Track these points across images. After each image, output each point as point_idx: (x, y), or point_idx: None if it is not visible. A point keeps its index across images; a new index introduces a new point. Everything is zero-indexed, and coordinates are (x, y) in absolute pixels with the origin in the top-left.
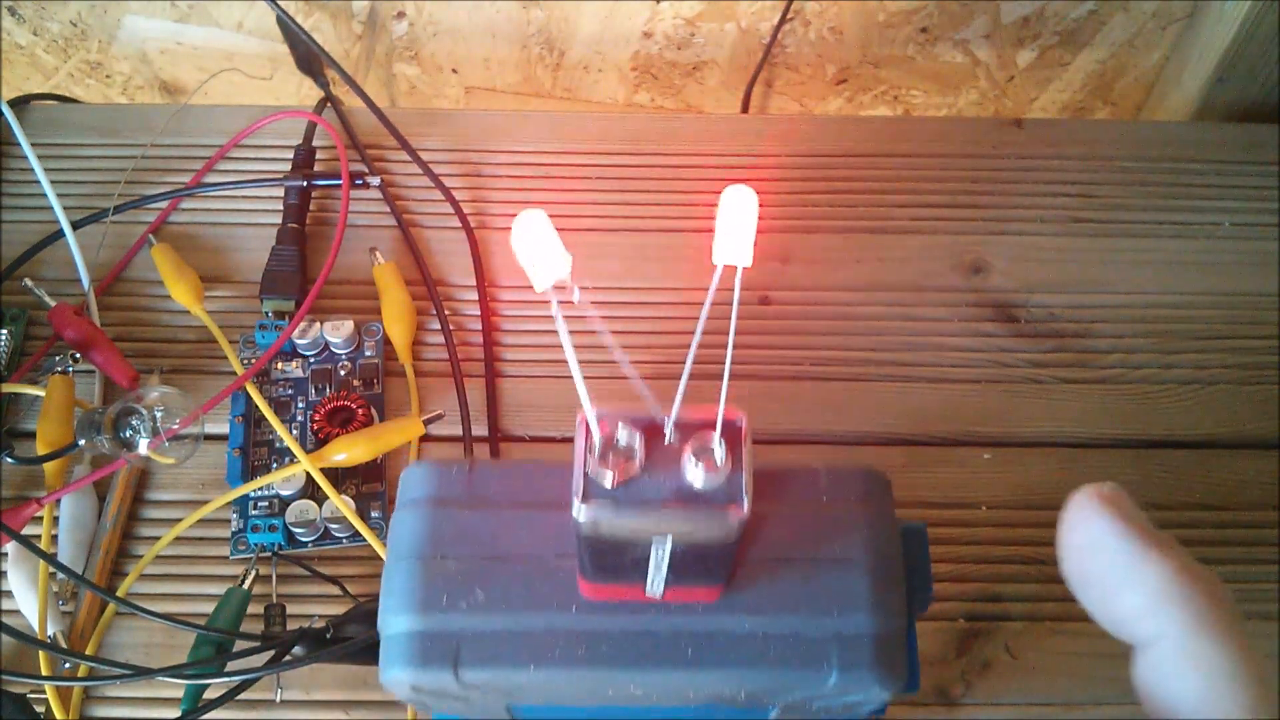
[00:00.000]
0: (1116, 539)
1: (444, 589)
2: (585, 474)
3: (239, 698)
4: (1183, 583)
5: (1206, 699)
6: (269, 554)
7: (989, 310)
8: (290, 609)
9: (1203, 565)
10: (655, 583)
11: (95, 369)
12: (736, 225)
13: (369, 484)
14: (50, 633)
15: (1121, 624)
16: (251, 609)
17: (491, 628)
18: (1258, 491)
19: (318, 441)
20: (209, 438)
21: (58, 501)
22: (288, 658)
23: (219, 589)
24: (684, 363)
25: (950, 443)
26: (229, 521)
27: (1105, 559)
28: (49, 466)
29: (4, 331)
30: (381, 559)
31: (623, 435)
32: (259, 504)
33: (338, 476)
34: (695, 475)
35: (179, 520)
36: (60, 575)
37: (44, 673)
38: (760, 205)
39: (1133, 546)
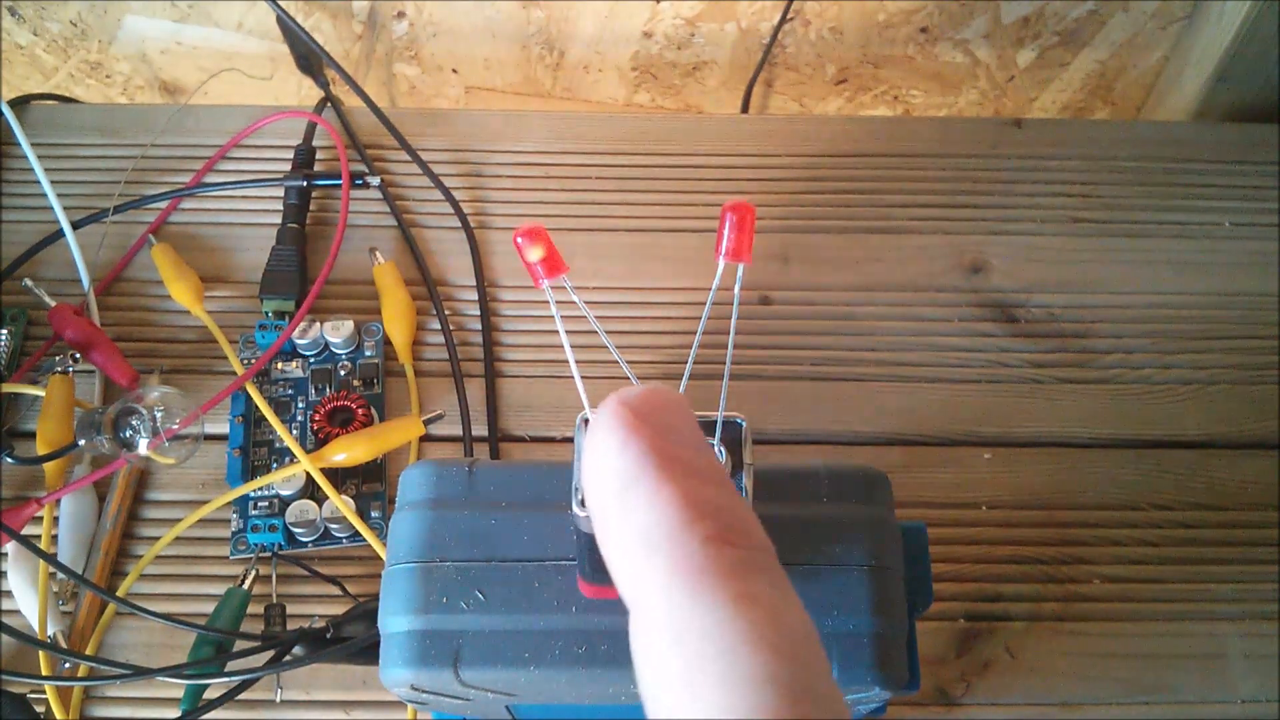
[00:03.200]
0: (617, 454)
1: (444, 589)
2: None
3: (239, 698)
4: (679, 518)
5: (689, 671)
6: (269, 554)
7: (989, 310)
8: (290, 609)
9: (731, 497)
10: None
11: (95, 369)
12: (738, 231)
13: (369, 484)
14: (50, 633)
15: (614, 575)
16: (251, 609)
17: (491, 627)
18: (1258, 491)
19: (318, 441)
20: (209, 438)
21: (58, 501)
22: (288, 658)
23: (219, 589)
24: (684, 363)
25: (950, 443)
26: (229, 521)
27: (604, 484)
28: (49, 466)
29: (4, 331)
30: (381, 559)
31: None
32: (259, 504)
33: (338, 476)
34: None
35: (179, 520)
36: (60, 575)
37: (44, 673)
38: (760, 205)
39: (632, 464)
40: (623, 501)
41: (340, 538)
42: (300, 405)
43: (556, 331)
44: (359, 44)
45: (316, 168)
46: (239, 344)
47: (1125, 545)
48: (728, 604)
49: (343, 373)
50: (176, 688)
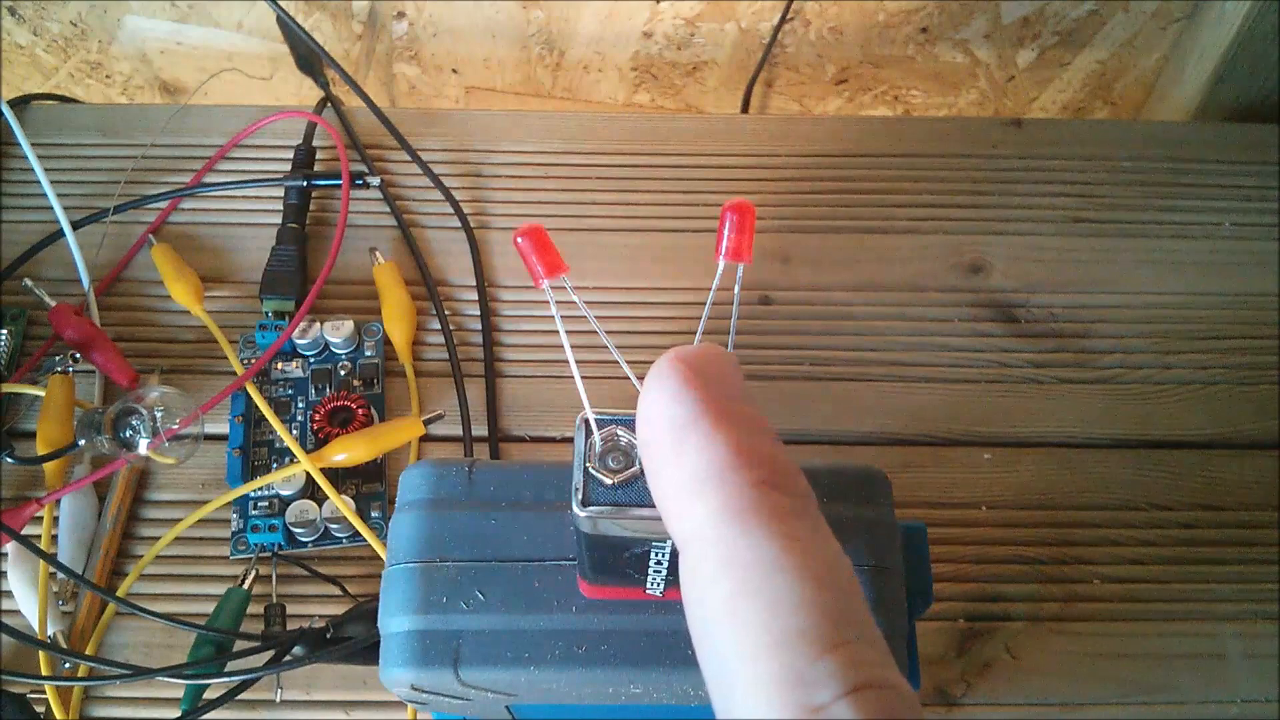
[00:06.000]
0: (672, 403)
1: (444, 589)
2: (585, 474)
3: (239, 698)
4: (730, 463)
5: (735, 598)
6: (269, 554)
7: (989, 310)
8: (290, 609)
9: (777, 447)
10: (655, 583)
11: (95, 369)
12: (738, 231)
13: (369, 484)
14: (50, 633)
15: (664, 514)
16: (251, 609)
17: (491, 627)
18: (1258, 491)
19: (318, 441)
20: (209, 438)
21: (58, 501)
22: (288, 658)
23: (219, 589)
24: None
25: (950, 443)
26: (229, 521)
27: (658, 429)
28: (49, 466)
29: (4, 331)
30: (381, 559)
31: (623, 436)
32: (259, 504)
33: (338, 476)
34: None
35: (179, 520)
36: (60, 575)
37: (44, 673)
38: (760, 205)
39: (687, 413)
40: (677, 446)
41: (340, 538)
42: (300, 405)
43: (556, 331)
44: (359, 44)
45: (316, 168)
46: (239, 344)
47: (1125, 545)
48: (774, 539)
49: (343, 373)
50: (176, 688)
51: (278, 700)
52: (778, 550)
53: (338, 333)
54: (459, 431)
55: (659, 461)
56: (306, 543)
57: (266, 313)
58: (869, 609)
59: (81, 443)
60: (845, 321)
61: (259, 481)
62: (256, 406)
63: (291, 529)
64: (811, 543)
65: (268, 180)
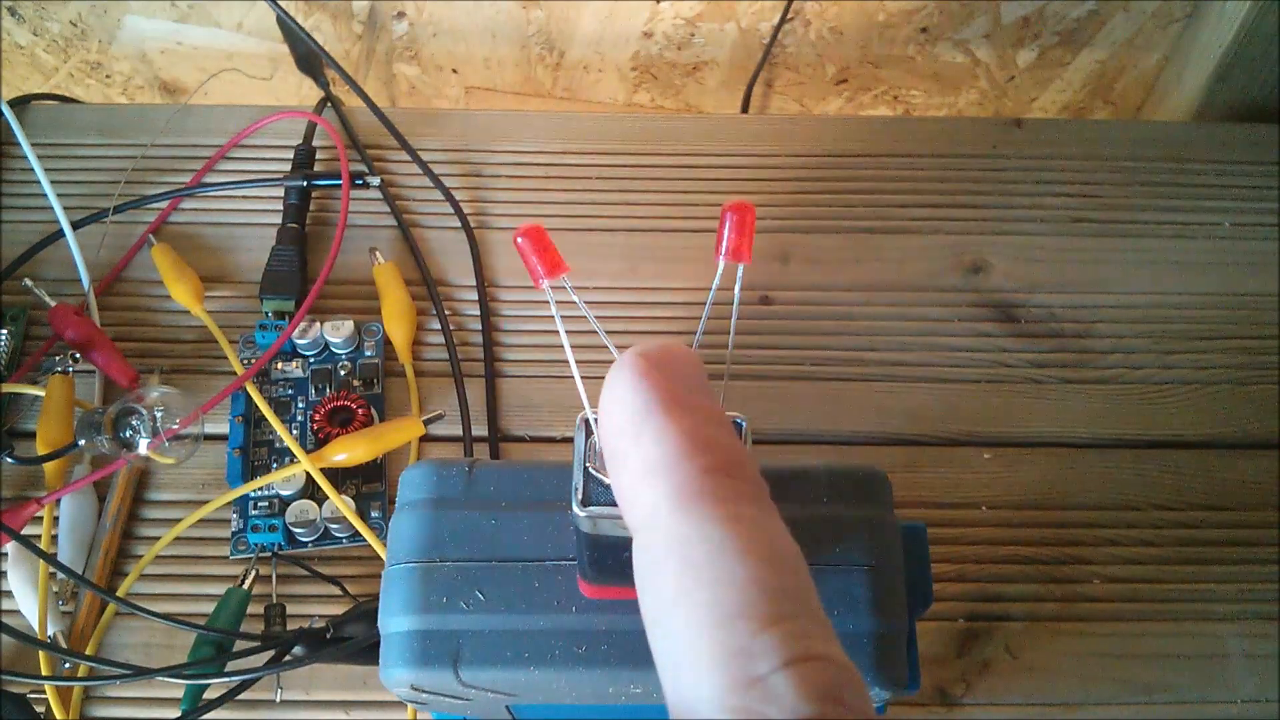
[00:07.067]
0: (630, 395)
1: (444, 589)
2: (585, 474)
3: (239, 698)
4: (682, 450)
5: (682, 579)
6: (269, 554)
7: (989, 310)
8: (290, 609)
9: (730, 438)
10: None
11: (95, 369)
12: (737, 232)
13: (369, 484)
14: (50, 633)
15: (620, 502)
16: (251, 609)
17: (491, 627)
18: (1258, 491)
19: (318, 441)
20: (209, 438)
21: (58, 501)
22: (288, 658)
23: (219, 589)
24: None
25: (950, 443)
26: (229, 521)
27: (617, 419)
28: (49, 466)
29: (4, 331)
30: (381, 559)
31: None
32: (259, 504)
33: (338, 476)
34: None
35: (179, 520)
36: (60, 575)
37: (44, 673)
38: (760, 205)
39: (643, 404)
40: (633, 436)
41: (340, 538)
42: (300, 405)
43: (556, 331)
44: (359, 44)
45: (316, 168)
46: (239, 344)
47: (1125, 545)
48: (721, 522)
49: (343, 373)
50: (176, 688)
51: (278, 700)
52: (723, 532)
53: (338, 333)
54: (459, 431)
55: (617, 451)
56: (306, 543)
57: (266, 313)
58: (814, 588)
59: (81, 443)
60: (845, 321)
61: (259, 481)
62: (256, 406)
63: (291, 529)
64: (757, 525)
65: (268, 180)
